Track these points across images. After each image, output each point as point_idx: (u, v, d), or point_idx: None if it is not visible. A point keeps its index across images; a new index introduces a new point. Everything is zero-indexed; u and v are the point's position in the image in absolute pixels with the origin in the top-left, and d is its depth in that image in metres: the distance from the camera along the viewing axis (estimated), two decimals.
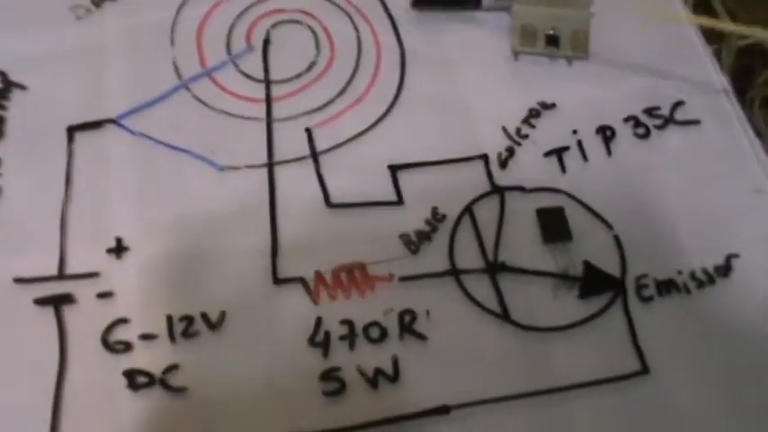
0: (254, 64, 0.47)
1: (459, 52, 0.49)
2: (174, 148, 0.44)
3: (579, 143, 0.46)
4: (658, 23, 0.50)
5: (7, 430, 0.37)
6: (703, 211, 0.44)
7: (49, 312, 0.40)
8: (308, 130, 0.45)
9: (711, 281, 0.42)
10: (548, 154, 0.46)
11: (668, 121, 0.48)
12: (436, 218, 0.43)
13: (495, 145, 0.46)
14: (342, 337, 0.40)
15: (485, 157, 0.45)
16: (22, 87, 0.46)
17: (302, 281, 0.41)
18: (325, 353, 0.39)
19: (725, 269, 0.43)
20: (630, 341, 0.41)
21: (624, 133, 0.47)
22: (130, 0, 0.50)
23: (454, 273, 0.42)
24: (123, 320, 0.40)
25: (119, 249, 0.42)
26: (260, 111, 0.46)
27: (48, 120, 0.45)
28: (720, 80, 0.49)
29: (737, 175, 0.45)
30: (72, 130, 0.45)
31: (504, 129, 0.46)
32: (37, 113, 0.45)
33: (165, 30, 0.48)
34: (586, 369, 0.40)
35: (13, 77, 0.47)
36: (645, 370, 0.40)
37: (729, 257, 0.43)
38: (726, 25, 0.48)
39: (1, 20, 0.49)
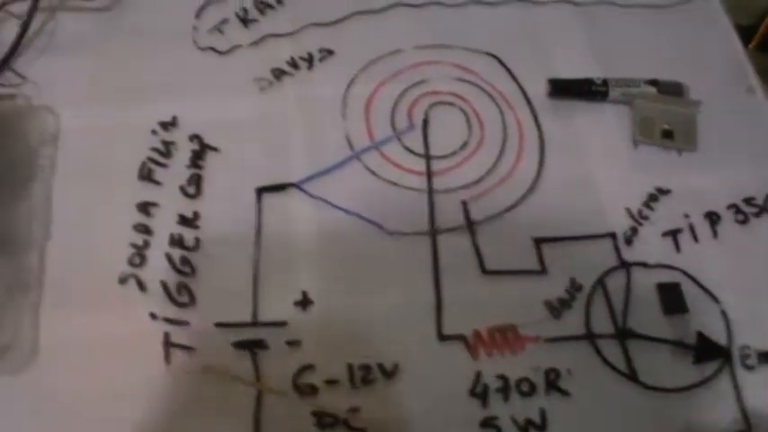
0: (415, 139, 0.54)
1: (588, 138, 0.56)
2: (348, 212, 0.51)
3: (690, 226, 0.54)
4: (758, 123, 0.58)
5: None
6: None
7: (245, 355, 0.46)
8: (464, 203, 0.52)
9: None
10: (665, 234, 0.53)
11: (762, 210, 0.55)
12: (574, 287, 0.50)
13: (620, 224, 0.53)
14: (497, 390, 0.47)
15: (613, 235, 0.52)
16: (215, 150, 0.53)
17: (463, 338, 0.48)
18: (484, 403, 0.46)
19: None
20: (736, 403, 0.48)
21: (727, 218, 0.54)
22: (305, 75, 0.56)
23: (590, 337, 0.49)
24: (309, 366, 0.46)
25: (304, 302, 0.48)
26: (422, 182, 0.52)
27: (238, 180, 0.52)
28: None
29: None
30: (260, 191, 0.51)
31: (628, 210, 0.53)
32: (229, 174, 0.52)
33: (337, 104, 0.55)
34: (701, 426, 0.47)
35: (207, 141, 0.53)
36: (748, 429, 0.47)
37: None
38: None
39: (195, 89, 0.55)
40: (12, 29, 0.58)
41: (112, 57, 0.57)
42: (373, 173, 0.53)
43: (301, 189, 0.52)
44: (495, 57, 0.58)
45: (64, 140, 0.53)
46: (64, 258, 0.49)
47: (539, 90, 0.57)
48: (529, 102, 0.57)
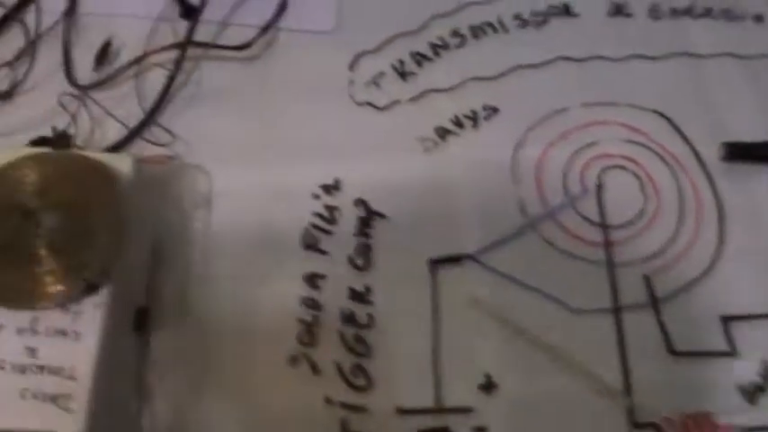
0: (589, 206, 0.51)
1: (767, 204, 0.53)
2: (527, 286, 0.48)
3: None
4: None
5: None
6: None
7: None
8: (647, 278, 0.49)
9: None
10: None
11: None
12: None
13: None
14: None
15: None
16: (382, 216, 0.50)
17: (656, 426, 0.45)
18: None
19: None
20: None
21: None
22: (471, 134, 0.53)
23: None
24: None
25: (488, 386, 0.46)
26: (599, 253, 0.50)
27: (410, 250, 0.49)
28: None
29: None
30: (434, 263, 0.48)
31: None
32: (398, 243, 0.49)
33: (507, 168, 0.52)
34: None
35: (374, 206, 0.50)
36: None
37: None
38: None
39: (355, 148, 0.53)
40: (154, 79, 0.55)
41: (263, 110, 0.55)
42: (549, 243, 0.50)
43: (476, 260, 0.48)
44: (662, 115, 0.55)
45: (216, 202, 0.50)
46: (221, 331, 0.46)
47: (711, 152, 0.54)
48: (703, 165, 0.53)
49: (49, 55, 0.56)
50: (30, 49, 0.57)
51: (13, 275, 0.43)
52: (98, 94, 0.55)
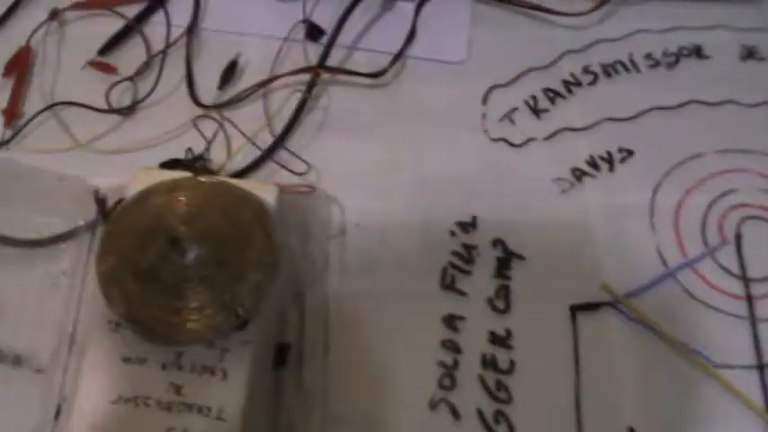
0: (729, 257, 0.50)
1: None
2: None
3: None
4: None
5: None
6: None
7: None
8: None
9: None
10: None
11: None
12: None
13: None
14: None
15: None
16: (521, 258, 0.49)
17: None
18: None
19: None
20: None
21: None
22: (607, 177, 0.52)
23: None
24: None
25: None
26: (742, 308, 0.48)
27: (548, 294, 0.48)
28: None
29: None
30: (574, 309, 0.47)
31: None
32: (537, 287, 0.48)
33: (645, 213, 0.51)
34: None
35: (512, 247, 0.49)
36: None
37: None
38: None
39: (491, 185, 0.52)
40: (278, 101, 0.54)
41: (393, 140, 0.54)
42: (690, 294, 0.48)
43: (617, 308, 0.47)
44: None
45: (350, 235, 0.49)
46: (360, 368, 0.46)
47: None
48: None
49: (170, 71, 0.55)
50: (150, 64, 0.55)
51: (159, 307, 0.41)
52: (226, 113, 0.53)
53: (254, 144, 0.51)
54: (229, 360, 0.41)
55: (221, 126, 0.51)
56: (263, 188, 0.45)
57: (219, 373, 0.41)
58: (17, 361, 0.45)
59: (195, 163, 0.48)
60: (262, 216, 0.43)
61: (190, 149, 0.50)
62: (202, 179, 0.45)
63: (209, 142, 0.50)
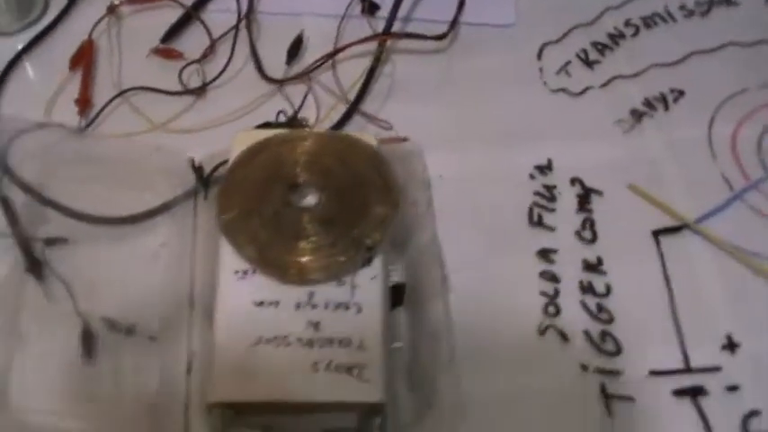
0: None
1: None
2: (747, 251, 0.50)
3: None
4: None
5: None
6: None
7: (685, 402, 0.45)
8: None
9: None
10: None
11: None
12: None
13: None
14: None
15: None
16: (599, 193, 0.52)
17: None
18: None
19: None
20: None
21: None
22: (664, 116, 0.56)
23: None
24: (755, 412, 0.45)
25: (731, 345, 0.47)
26: None
27: (630, 223, 0.51)
28: None
29: None
30: (657, 234, 0.50)
31: None
32: (618, 217, 0.51)
33: (704, 145, 0.55)
34: None
35: (589, 184, 0.52)
36: None
37: None
38: None
39: (558, 130, 0.56)
40: (346, 72, 0.56)
41: (460, 99, 0.57)
42: (759, 212, 0.52)
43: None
44: None
45: (435, 186, 0.51)
46: (469, 309, 0.47)
47: None
48: None
49: (230, 52, 0.57)
50: (214, 47, 0.57)
51: (289, 249, 0.43)
52: (291, 89, 0.55)
53: (346, 100, 0.53)
54: (361, 294, 0.42)
55: (310, 89, 0.53)
56: (365, 138, 0.47)
57: (354, 307, 0.42)
58: (130, 331, 0.46)
59: (292, 122, 0.50)
60: (375, 159, 0.45)
61: (281, 111, 0.52)
62: (314, 131, 0.46)
63: (301, 103, 0.52)
